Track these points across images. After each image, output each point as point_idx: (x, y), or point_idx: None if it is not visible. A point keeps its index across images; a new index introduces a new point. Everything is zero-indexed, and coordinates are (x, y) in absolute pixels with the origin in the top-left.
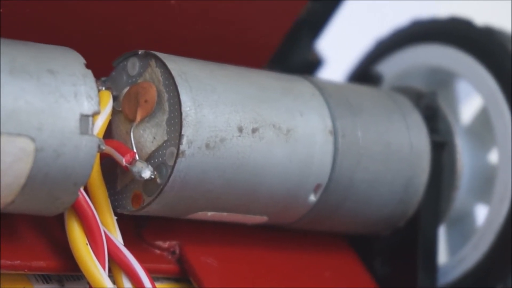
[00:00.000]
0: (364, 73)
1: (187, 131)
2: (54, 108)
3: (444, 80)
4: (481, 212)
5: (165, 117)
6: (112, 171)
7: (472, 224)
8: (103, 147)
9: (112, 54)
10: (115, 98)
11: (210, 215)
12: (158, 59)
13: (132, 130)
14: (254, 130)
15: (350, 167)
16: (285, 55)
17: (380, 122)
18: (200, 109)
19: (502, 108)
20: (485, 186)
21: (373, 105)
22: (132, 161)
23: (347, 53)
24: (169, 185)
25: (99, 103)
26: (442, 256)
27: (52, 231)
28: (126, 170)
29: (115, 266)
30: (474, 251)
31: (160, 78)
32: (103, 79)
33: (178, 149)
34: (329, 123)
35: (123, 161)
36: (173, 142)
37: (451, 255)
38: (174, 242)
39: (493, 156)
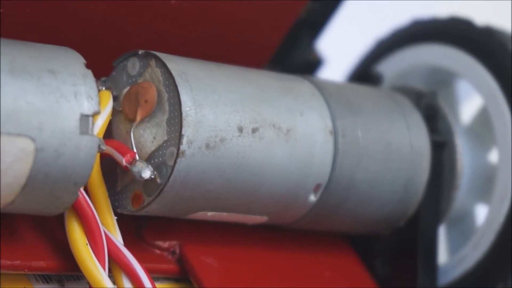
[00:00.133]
0: (364, 73)
1: (187, 131)
2: (55, 108)
3: (444, 80)
4: (481, 212)
5: (165, 117)
6: (112, 171)
7: (472, 223)
8: (103, 147)
9: (112, 54)
10: (115, 98)
11: (210, 215)
12: (158, 59)
13: (132, 130)
14: (254, 130)
15: (350, 167)
16: (285, 55)
17: (380, 122)
18: (200, 109)
19: (502, 108)
20: (485, 186)
21: (373, 105)
22: (132, 161)
23: (347, 53)
24: (169, 185)
25: (99, 103)
26: (442, 255)
27: (52, 231)
28: (126, 170)
29: (115, 266)
30: (474, 251)
31: (160, 78)
32: (103, 79)
33: (178, 149)
34: (329, 123)
35: (123, 161)
36: (173, 142)
37: (451, 255)
38: (174, 242)
39: (493, 156)
